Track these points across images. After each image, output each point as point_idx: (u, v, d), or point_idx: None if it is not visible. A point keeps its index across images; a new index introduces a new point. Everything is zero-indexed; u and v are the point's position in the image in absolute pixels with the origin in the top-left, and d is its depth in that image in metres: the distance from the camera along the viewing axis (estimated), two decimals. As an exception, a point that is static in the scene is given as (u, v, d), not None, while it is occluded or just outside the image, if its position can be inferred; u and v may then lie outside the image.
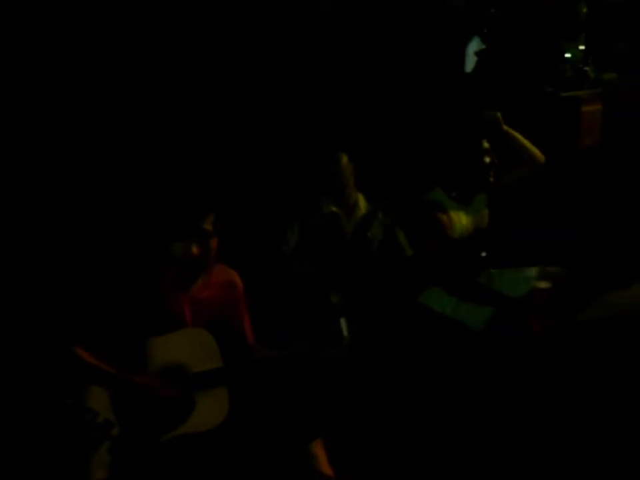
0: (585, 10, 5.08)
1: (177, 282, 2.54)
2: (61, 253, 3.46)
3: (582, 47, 5.01)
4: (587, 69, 4.97)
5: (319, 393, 2.62)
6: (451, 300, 3.11)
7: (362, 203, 3.43)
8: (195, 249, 2.45)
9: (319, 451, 2.55)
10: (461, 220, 3.38)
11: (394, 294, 2.87)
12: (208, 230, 2.47)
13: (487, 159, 3.35)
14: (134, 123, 3.80)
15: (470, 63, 4.92)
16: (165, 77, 3.87)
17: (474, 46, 4.94)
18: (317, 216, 3.30)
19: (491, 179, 3.39)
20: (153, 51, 3.79)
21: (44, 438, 2.47)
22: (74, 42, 3.57)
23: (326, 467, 2.57)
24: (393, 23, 4.45)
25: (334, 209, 3.34)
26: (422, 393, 2.99)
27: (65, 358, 2.43)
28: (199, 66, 3.94)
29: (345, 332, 2.55)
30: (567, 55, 4.98)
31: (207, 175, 3.17)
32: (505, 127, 3.33)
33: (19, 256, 3.41)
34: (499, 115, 3.31)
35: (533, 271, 3.18)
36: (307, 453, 2.54)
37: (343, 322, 2.76)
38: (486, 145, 3.36)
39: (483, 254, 3.03)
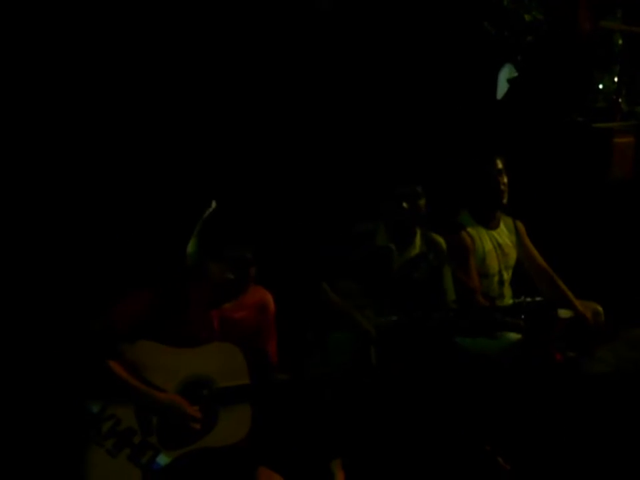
0: (620, 42, 5.08)
1: (211, 300, 2.55)
2: (99, 264, 3.49)
3: (616, 79, 5.01)
4: (620, 100, 4.97)
5: (340, 414, 2.63)
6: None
7: (418, 241, 3.24)
8: (232, 275, 2.47)
9: (337, 470, 2.56)
10: (483, 242, 3.38)
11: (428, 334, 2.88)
12: (247, 258, 2.48)
13: (504, 179, 3.37)
14: (174, 141, 3.82)
15: (502, 89, 4.93)
16: (193, 88, 3.89)
17: (506, 73, 4.95)
18: (369, 247, 3.15)
19: (505, 201, 3.40)
20: (159, 53, 3.78)
21: (65, 443, 2.48)
22: (74, 42, 3.56)
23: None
24: (425, 46, 4.47)
25: (389, 244, 3.17)
26: (443, 421, 3.00)
27: (96, 369, 2.45)
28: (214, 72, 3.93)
29: (374, 360, 2.59)
30: (600, 86, 4.98)
31: (252, 202, 3.15)
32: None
33: (54, 266, 3.45)
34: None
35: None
36: (325, 473, 2.54)
37: (372, 351, 2.80)
38: (500, 165, 3.37)
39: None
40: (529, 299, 2.95)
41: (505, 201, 3.39)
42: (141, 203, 3.67)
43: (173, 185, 3.75)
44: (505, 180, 3.36)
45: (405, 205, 3.11)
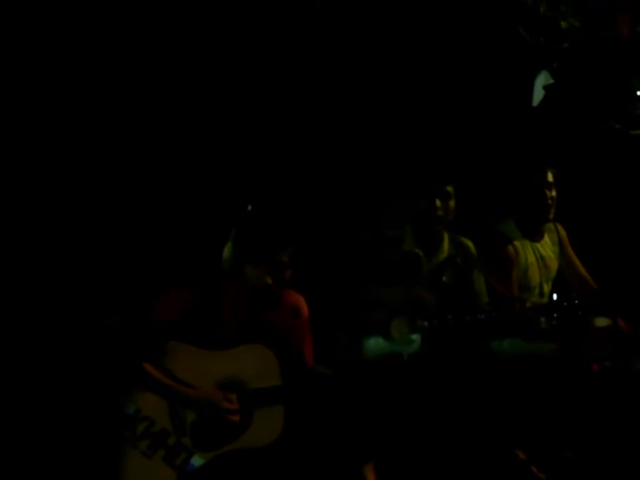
0: (658, 47, 5.02)
1: (246, 303, 2.58)
2: (137, 265, 3.54)
3: (654, 85, 4.94)
4: (657, 107, 4.90)
5: (373, 417, 2.63)
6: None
7: (446, 245, 3.22)
8: (268, 279, 2.50)
9: (369, 474, 2.56)
10: (527, 254, 3.35)
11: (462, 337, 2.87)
12: (284, 262, 2.52)
13: (553, 193, 3.32)
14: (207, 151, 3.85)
15: (538, 96, 4.90)
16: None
17: (542, 80, 4.91)
18: (397, 253, 3.15)
19: (551, 216, 3.36)
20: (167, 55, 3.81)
21: (100, 444, 2.52)
22: (74, 42, 3.58)
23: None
24: (461, 52, 4.47)
25: (417, 250, 3.16)
26: (477, 428, 2.99)
27: (130, 369, 2.48)
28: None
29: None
30: (638, 93, 4.92)
31: (287, 205, 3.16)
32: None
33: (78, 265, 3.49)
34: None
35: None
36: (357, 476, 2.54)
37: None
38: (550, 178, 3.32)
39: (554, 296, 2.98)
40: (564, 302, 2.92)
41: (551, 215, 3.35)
42: (178, 205, 3.71)
43: (210, 188, 3.78)
44: (554, 194, 3.32)
45: (437, 202, 3.09)
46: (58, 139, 3.54)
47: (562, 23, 4.59)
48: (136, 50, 3.72)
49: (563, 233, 3.51)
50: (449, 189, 3.13)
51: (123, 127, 3.68)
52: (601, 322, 3.12)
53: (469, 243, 3.23)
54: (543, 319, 2.96)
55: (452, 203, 3.14)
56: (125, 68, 3.70)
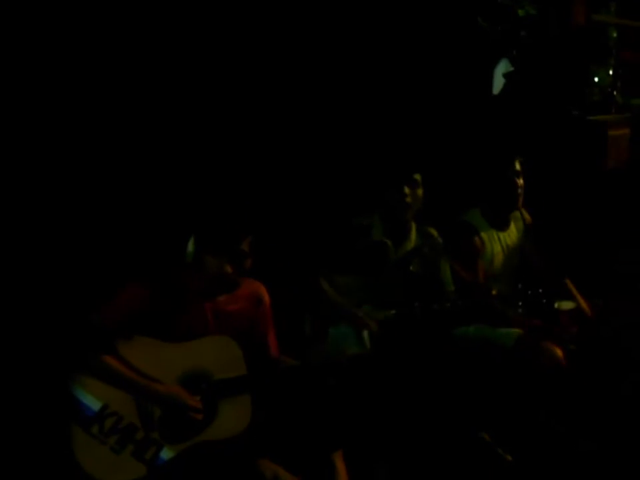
0: (614, 35, 5.10)
1: (205, 293, 2.58)
2: (96, 259, 3.51)
3: (611, 72, 5.02)
4: (615, 93, 4.98)
5: (342, 404, 2.65)
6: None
7: (413, 235, 3.22)
8: (228, 268, 2.50)
9: (338, 462, 2.58)
10: (493, 244, 3.38)
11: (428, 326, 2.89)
12: (244, 251, 2.52)
13: (520, 181, 3.34)
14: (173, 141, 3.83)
15: (498, 84, 4.95)
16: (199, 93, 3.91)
17: (502, 68, 4.96)
18: (365, 242, 3.13)
19: (519, 204, 3.37)
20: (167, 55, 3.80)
21: (62, 438, 2.49)
22: (74, 42, 3.56)
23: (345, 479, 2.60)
24: (420, 42, 4.49)
25: (385, 239, 3.15)
26: (443, 412, 3.02)
27: (92, 365, 2.46)
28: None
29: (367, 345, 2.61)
30: (595, 79, 5.00)
31: (249, 195, 3.16)
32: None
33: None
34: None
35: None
36: (326, 464, 2.56)
37: (365, 335, 2.82)
38: (517, 166, 3.35)
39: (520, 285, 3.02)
40: (528, 291, 2.96)
41: (520, 204, 3.37)
42: (139, 199, 3.69)
43: (172, 181, 3.77)
44: (522, 182, 3.32)
45: (406, 189, 3.10)
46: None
47: (519, 11, 4.64)
48: (127, 48, 3.70)
49: (528, 219, 3.53)
50: (417, 177, 3.13)
51: (85, 122, 3.65)
52: (566, 305, 3.17)
53: (436, 233, 3.26)
54: (508, 306, 3.01)
55: (420, 192, 3.14)
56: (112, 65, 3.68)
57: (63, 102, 3.58)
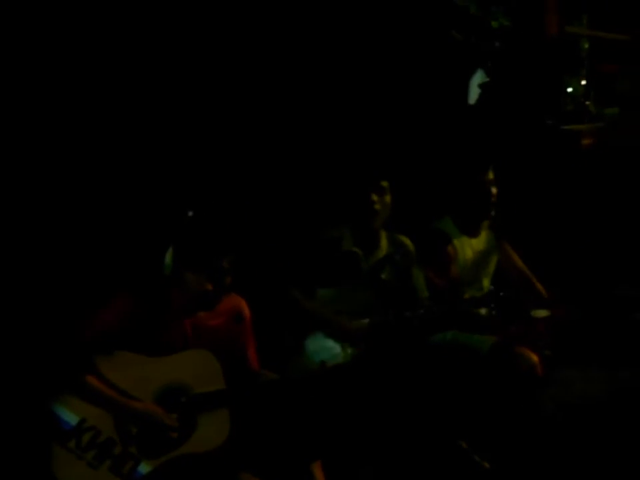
0: (586, 46, 5.19)
1: (185, 309, 2.58)
2: (75, 272, 3.49)
3: (583, 82, 5.10)
4: (588, 103, 5.07)
5: (319, 416, 2.66)
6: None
7: (384, 243, 3.19)
8: (209, 285, 2.51)
9: (317, 472, 2.59)
10: (465, 251, 3.41)
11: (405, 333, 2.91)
12: (225, 267, 2.53)
13: (494, 190, 3.37)
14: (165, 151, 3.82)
15: (473, 94, 5.00)
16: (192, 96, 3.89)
17: (478, 78, 5.02)
18: (335, 252, 3.11)
19: (493, 213, 3.40)
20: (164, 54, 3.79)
21: (40, 454, 2.48)
22: (74, 42, 3.55)
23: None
24: (397, 52, 4.53)
25: (355, 249, 3.12)
26: (421, 420, 3.04)
27: (71, 384, 2.45)
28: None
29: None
30: (569, 89, 5.08)
31: (227, 212, 3.14)
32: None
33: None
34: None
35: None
36: (305, 475, 2.57)
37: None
38: (491, 175, 3.38)
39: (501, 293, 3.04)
40: (500, 292, 2.99)
41: (493, 212, 3.39)
42: (118, 210, 3.68)
43: (150, 193, 3.76)
44: (495, 190, 3.35)
45: (374, 196, 3.07)
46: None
47: (493, 22, 4.70)
48: (125, 48, 3.68)
49: (500, 227, 3.56)
50: (384, 184, 3.10)
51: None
52: (540, 313, 3.20)
53: (407, 241, 3.26)
54: (480, 311, 3.03)
55: (388, 198, 3.11)
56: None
57: (48, 108, 3.55)
